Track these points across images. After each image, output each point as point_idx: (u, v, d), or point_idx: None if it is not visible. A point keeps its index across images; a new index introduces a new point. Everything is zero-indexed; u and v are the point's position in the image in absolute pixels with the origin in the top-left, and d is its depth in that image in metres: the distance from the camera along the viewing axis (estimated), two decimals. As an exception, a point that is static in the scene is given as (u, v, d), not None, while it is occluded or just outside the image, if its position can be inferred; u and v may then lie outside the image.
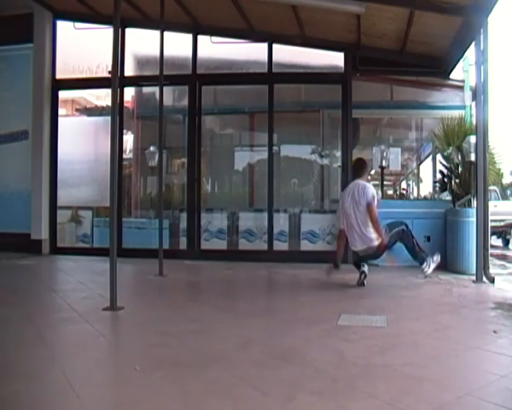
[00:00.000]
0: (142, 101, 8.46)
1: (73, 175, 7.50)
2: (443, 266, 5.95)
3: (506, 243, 11.85)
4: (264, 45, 7.06)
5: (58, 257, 7.07)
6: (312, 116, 8.09)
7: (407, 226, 4.89)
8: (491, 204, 5.90)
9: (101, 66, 7.31)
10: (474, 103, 6.47)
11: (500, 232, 11.69)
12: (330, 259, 5.07)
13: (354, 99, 6.82)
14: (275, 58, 7.04)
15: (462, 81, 7.59)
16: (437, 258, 4.93)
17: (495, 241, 11.32)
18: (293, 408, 1.99)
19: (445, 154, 6.44)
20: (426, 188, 11.55)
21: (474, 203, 5.53)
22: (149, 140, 8.02)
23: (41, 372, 2.37)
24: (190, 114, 7.21)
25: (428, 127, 8.97)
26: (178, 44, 7.15)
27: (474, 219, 5.31)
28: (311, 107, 8.11)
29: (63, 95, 7.75)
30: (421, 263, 4.82)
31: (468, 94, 7.38)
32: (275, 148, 7.23)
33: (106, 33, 6.17)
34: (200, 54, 7.18)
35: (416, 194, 12.36)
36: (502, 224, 11.27)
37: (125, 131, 7.70)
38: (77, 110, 8.67)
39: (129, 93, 8.02)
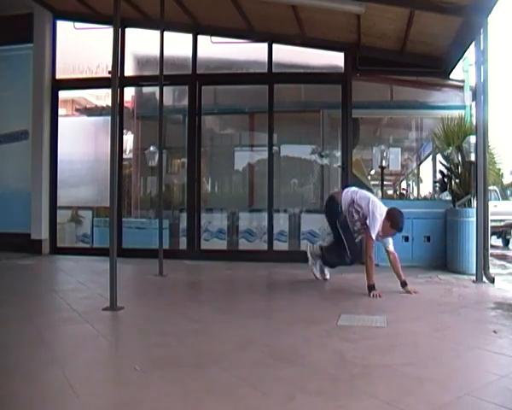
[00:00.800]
0: (142, 101, 8.45)
1: (73, 175, 7.50)
2: (443, 266, 5.97)
3: (506, 243, 11.85)
4: (264, 45, 7.06)
5: (58, 257, 7.07)
6: (312, 116, 8.08)
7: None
8: (491, 204, 5.90)
9: (101, 66, 7.31)
10: (474, 103, 6.48)
11: (500, 232, 11.69)
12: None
13: (354, 99, 6.82)
14: (275, 58, 7.04)
15: (462, 81, 7.59)
16: (320, 269, 5.00)
17: (495, 241, 11.32)
18: (293, 408, 1.99)
19: (445, 154, 6.44)
20: (426, 188, 11.56)
21: (474, 203, 5.53)
22: (149, 140, 8.02)
23: (41, 372, 2.37)
24: (190, 114, 7.21)
25: (428, 127, 8.97)
26: (178, 44, 7.15)
27: (474, 219, 5.31)
28: (311, 107, 8.11)
29: (63, 95, 7.75)
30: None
31: (468, 94, 7.37)
32: (275, 148, 7.23)
33: (106, 33, 6.17)
34: (200, 54, 7.18)
35: (416, 194, 12.36)
36: (502, 224, 11.27)
37: (125, 131, 7.70)
38: (77, 110, 8.67)
39: (129, 93, 8.01)
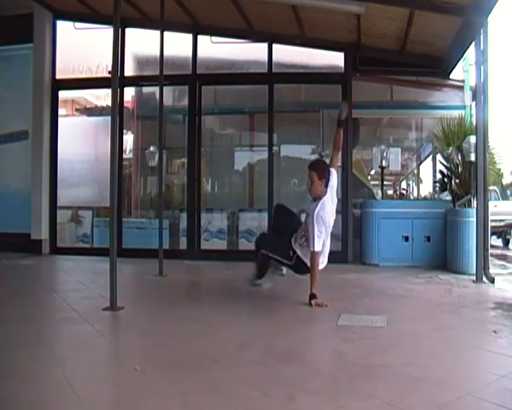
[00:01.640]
0: (142, 101, 8.45)
1: (73, 175, 7.49)
2: (443, 266, 5.97)
3: (506, 243, 11.86)
4: (264, 45, 7.05)
5: (58, 257, 7.06)
6: (312, 116, 8.07)
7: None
8: (491, 204, 5.90)
9: (101, 66, 7.30)
10: (474, 103, 6.48)
11: (500, 232, 11.70)
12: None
13: (354, 99, 6.81)
14: (275, 58, 7.04)
15: (462, 81, 7.59)
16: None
17: (495, 241, 11.32)
18: (293, 408, 1.99)
19: (445, 154, 6.44)
20: (426, 188, 11.57)
21: (474, 203, 5.53)
22: (149, 140, 8.01)
23: (41, 372, 2.37)
24: (190, 114, 7.21)
25: (428, 127, 8.96)
26: (178, 44, 7.14)
27: (474, 219, 5.31)
28: (311, 107, 8.10)
29: (63, 95, 7.75)
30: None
31: (468, 94, 7.38)
32: (275, 148, 7.22)
33: (106, 33, 6.16)
34: (200, 54, 7.17)
35: (416, 194, 12.36)
36: (502, 224, 11.28)
37: (125, 131, 7.69)
38: (77, 110, 8.67)
39: (129, 93, 8.01)
